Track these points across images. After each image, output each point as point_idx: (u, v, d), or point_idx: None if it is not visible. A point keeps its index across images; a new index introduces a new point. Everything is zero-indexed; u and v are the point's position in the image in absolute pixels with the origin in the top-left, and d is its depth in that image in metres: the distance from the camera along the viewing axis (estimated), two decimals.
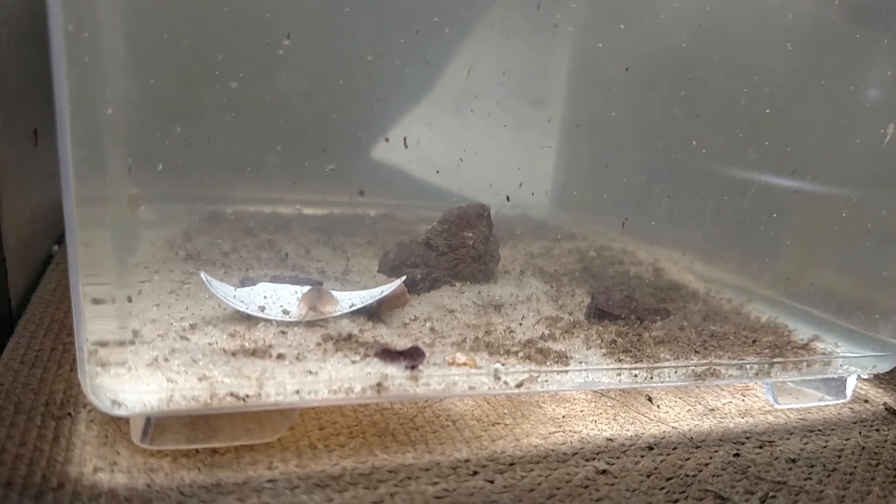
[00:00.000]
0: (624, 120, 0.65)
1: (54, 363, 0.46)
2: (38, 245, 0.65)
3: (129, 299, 0.45)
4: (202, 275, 0.46)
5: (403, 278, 0.50)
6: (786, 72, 0.59)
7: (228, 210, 0.64)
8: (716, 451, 0.44)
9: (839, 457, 0.46)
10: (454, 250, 0.56)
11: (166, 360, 0.38)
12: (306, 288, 0.48)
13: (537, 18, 0.59)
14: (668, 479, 0.41)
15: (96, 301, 0.38)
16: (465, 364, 0.42)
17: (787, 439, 0.47)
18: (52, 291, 0.59)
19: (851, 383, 0.54)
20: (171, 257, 0.54)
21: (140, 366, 0.37)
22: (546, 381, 0.43)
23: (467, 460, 0.41)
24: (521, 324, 0.50)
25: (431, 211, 0.63)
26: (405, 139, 0.57)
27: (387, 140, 0.58)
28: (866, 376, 0.58)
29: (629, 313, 0.52)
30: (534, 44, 0.64)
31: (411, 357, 0.41)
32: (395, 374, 0.40)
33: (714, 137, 0.62)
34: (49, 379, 0.44)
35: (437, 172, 0.59)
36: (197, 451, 0.38)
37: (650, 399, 0.51)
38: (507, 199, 0.59)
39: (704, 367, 0.47)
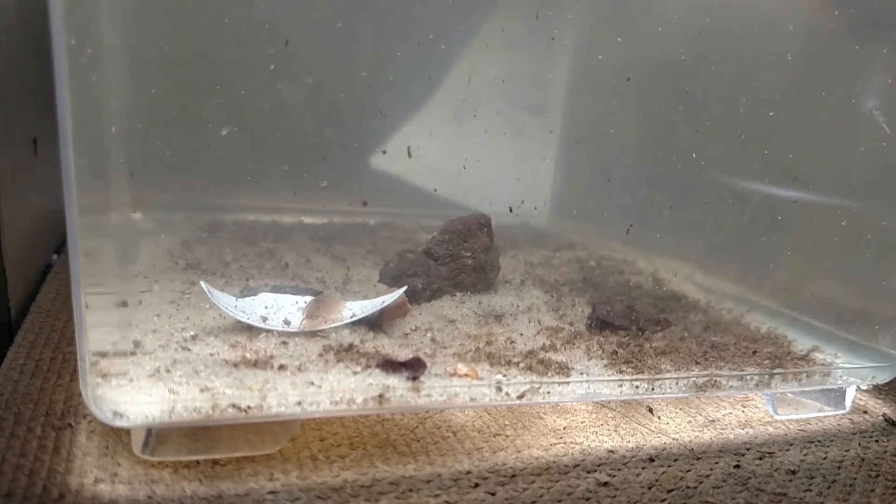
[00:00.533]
0: (624, 129, 0.66)
1: (54, 373, 0.46)
2: (37, 254, 0.65)
3: (125, 303, 0.45)
4: (203, 284, 0.46)
5: (404, 288, 0.50)
6: (786, 82, 0.59)
7: (229, 219, 0.64)
8: (716, 463, 0.44)
9: (839, 468, 0.46)
10: (455, 260, 0.56)
11: (168, 370, 0.38)
12: (307, 298, 0.48)
13: (536, 28, 0.59)
14: (669, 491, 0.41)
15: (97, 310, 0.38)
16: (466, 375, 0.42)
17: (787, 450, 0.47)
18: (51, 301, 0.58)
19: (851, 394, 0.54)
20: (171, 267, 0.54)
21: (141, 377, 0.37)
22: (547, 392, 0.43)
23: (468, 472, 0.41)
24: (522, 334, 0.50)
25: (432, 220, 0.63)
26: (409, 148, 0.57)
27: (384, 152, 0.58)
28: (865, 387, 0.58)
29: (630, 324, 0.52)
30: (533, 54, 0.64)
31: (413, 368, 0.41)
32: (397, 385, 0.40)
33: (715, 147, 0.62)
34: (49, 389, 0.44)
35: (435, 191, 0.59)
36: (198, 462, 0.38)
37: (651, 410, 0.51)
38: (510, 210, 0.59)
39: (705, 379, 0.47)
